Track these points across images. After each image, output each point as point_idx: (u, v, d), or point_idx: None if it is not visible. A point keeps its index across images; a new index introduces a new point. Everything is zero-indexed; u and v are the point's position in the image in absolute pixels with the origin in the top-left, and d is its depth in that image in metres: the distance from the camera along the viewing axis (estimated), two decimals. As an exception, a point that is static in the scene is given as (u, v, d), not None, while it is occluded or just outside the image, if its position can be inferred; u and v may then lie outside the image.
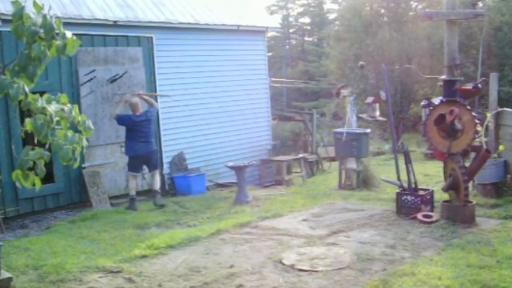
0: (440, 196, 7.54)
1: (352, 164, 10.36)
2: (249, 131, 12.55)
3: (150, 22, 10.37)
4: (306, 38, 52.34)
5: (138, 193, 9.77)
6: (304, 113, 17.74)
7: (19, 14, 3.33)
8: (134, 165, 9.09)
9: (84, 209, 9.03)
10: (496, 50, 23.09)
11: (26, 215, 8.66)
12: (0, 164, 8.39)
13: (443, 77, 7.24)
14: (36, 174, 3.59)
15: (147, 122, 8.99)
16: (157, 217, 7.93)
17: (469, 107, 6.75)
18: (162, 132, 10.63)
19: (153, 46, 10.48)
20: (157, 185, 9.16)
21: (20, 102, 3.46)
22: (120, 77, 9.93)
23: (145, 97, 9.49)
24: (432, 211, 7.20)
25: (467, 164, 7.12)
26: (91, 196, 9.18)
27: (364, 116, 11.37)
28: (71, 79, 9.33)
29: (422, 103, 7.47)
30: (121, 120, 9.01)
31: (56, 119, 3.53)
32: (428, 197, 7.31)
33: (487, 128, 8.31)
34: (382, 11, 28.40)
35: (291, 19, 52.16)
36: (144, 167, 9.33)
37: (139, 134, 8.91)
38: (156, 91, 10.44)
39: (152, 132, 9.13)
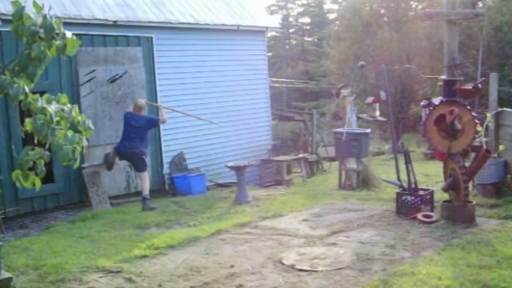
0: (440, 196, 7.54)
1: (352, 164, 10.36)
2: (249, 131, 12.54)
3: (150, 22, 10.36)
4: (306, 38, 52.39)
5: (135, 194, 9.79)
6: (304, 113, 17.71)
7: (19, 14, 3.33)
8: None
9: (84, 209, 9.03)
10: (496, 50, 23.08)
11: (26, 215, 8.66)
12: (0, 164, 8.39)
13: (443, 77, 7.24)
14: (36, 174, 3.59)
15: (134, 124, 9.10)
16: (157, 217, 7.93)
17: (469, 107, 6.75)
18: (162, 132, 10.62)
19: (153, 46, 10.48)
20: (144, 190, 8.97)
21: (20, 102, 3.46)
22: (120, 77, 9.93)
23: (161, 110, 9.72)
24: (432, 211, 7.20)
25: (467, 164, 7.12)
26: (91, 196, 9.18)
27: (364, 116, 11.37)
28: (71, 79, 9.33)
29: (422, 103, 7.47)
30: (124, 114, 9.35)
31: (56, 119, 3.53)
32: (428, 197, 7.31)
33: (487, 128, 8.31)
34: (382, 11, 28.40)
35: (291, 19, 52.23)
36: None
37: (125, 132, 9.17)
38: (155, 91, 10.45)
39: (138, 137, 9.08)
